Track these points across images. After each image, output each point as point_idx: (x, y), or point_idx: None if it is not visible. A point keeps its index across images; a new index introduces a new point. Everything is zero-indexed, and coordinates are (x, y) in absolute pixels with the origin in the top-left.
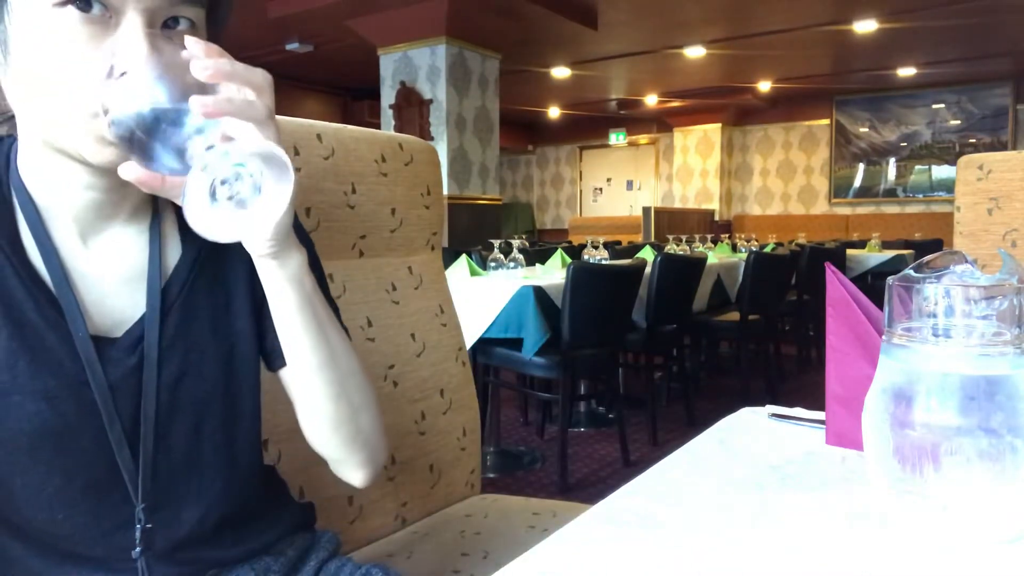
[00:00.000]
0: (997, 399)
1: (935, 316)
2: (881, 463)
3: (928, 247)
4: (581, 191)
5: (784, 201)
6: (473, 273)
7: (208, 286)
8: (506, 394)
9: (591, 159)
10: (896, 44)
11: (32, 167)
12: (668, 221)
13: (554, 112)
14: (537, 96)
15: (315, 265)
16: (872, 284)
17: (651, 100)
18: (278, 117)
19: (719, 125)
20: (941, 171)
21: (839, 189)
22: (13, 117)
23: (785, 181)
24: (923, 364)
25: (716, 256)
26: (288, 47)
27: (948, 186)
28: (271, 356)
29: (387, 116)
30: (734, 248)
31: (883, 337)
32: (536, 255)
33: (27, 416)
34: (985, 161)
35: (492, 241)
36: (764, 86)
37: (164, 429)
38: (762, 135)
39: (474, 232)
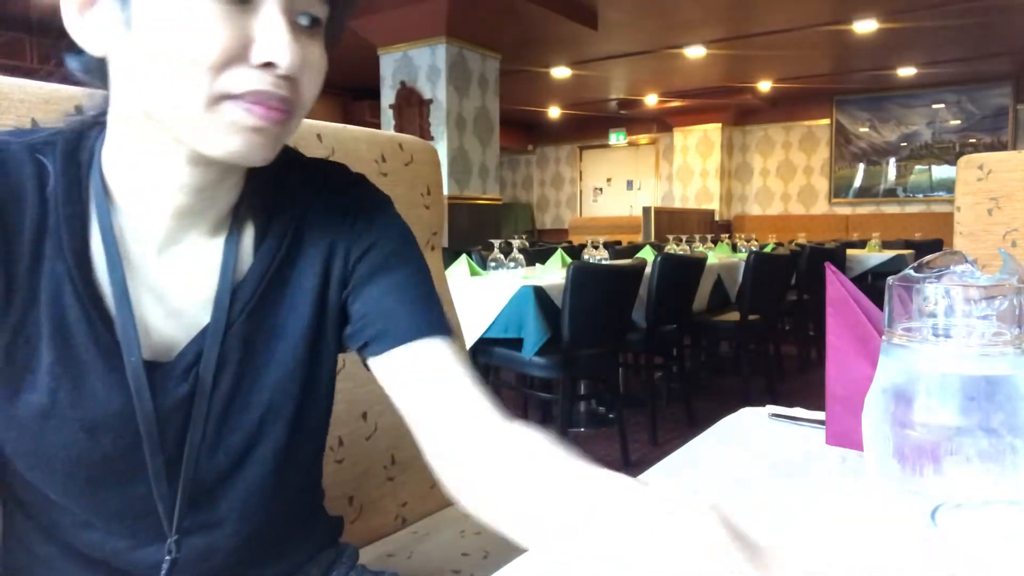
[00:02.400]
0: (997, 399)
1: (935, 316)
2: (881, 463)
3: (928, 247)
4: (581, 191)
5: (784, 201)
6: (473, 273)
7: (272, 303)
8: (506, 394)
9: (591, 159)
10: (896, 44)
11: (123, 164)
12: (668, 221)
13: (554, 112)
14: (537, 96)
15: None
16: (872, 284)
17: (651, 100)
18: None
19: (719, 125)
20: (941, 171)
21: (839, 189)
22: (102, 116)
23: (785, 181)
24: (923, 364)
25: (716, 256)
26: None
27: (948, 186)
28: (364, 346)
29: (387, 116)
30: (734, 248)
31: (883, 337)
32: (536, 255)
33: (63, 442)
34: (985, 161)
35: (492, 241)
36: (764, 86)
37: (208, 457)
38: (762, 135)
39: (474, 232)
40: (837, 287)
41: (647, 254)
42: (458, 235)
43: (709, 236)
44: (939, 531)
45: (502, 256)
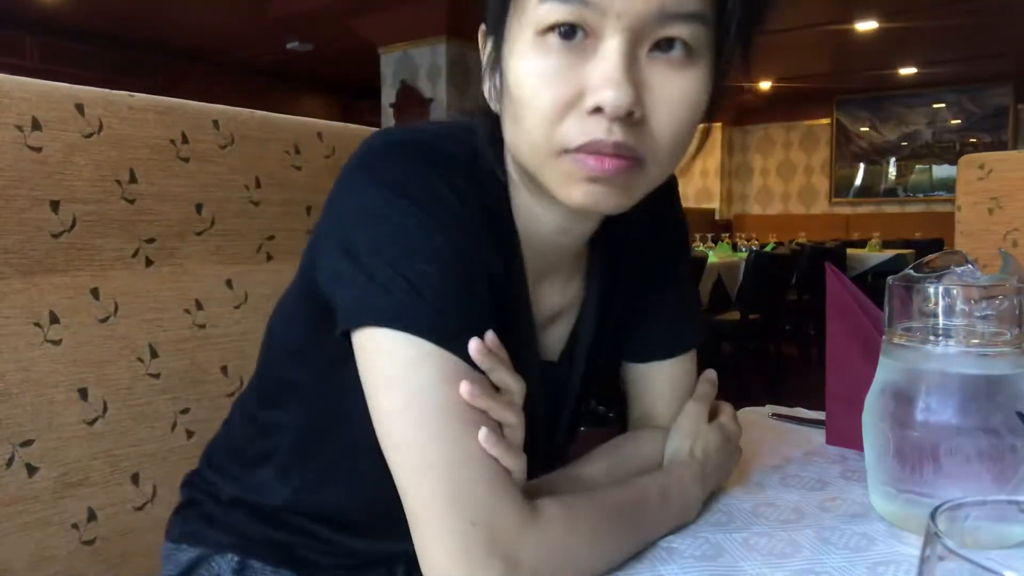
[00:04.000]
0: (997, 399)
1: (935, 316)
2: (881, 463)
3: (929, 247)
4: None
5: (784, 201)
6: None
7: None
8: None
9: None
10: (897, 44)
11: (517, 202)
12: None
13: None
14: None
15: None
16: (872, 284)
17: None
18: (279, 116)
19: (719, 124)
20: (942, 171)
21: (840, 189)
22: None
23: (785, 181)
24: (923, 364)
25: (716, 255)
26: (288, 46)
27: (949, 186)
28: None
29: (387, 115)
30: (734, 248)
31: (883, 337)
32: None
33: None
34: (986, 160)
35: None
36: (764, 85)
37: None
38: (763, 134)
39: None
40: (837, 287)
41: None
42: None
43: (709, 235)
44: (938, 532)
45: None
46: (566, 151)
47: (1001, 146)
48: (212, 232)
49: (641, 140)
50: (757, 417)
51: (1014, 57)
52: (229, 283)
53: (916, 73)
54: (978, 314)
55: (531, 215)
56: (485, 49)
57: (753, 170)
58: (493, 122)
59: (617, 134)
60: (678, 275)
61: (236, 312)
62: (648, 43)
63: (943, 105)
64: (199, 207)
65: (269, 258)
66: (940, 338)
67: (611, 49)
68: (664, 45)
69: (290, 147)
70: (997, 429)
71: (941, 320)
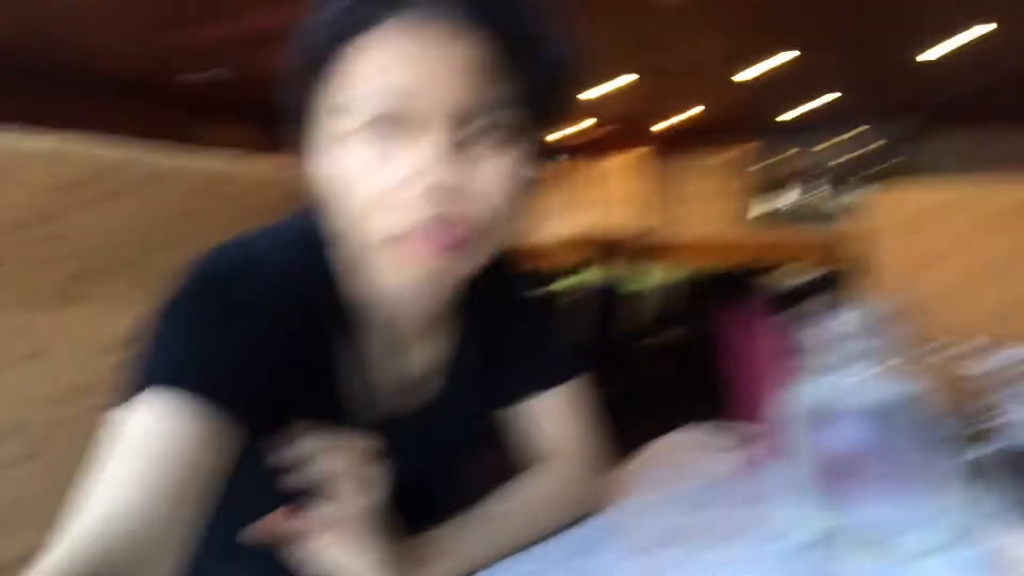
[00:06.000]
0: (905, 419)
1: (840, 346)
2: (801, 482)
3: (848, 271)
4: None
5: (708, 226)
6: None
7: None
8: None
9: None
10: (815, 74)
11: (363, 280)
12: (597, 245)
13: None
14: None
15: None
16: (786, 309)
17: (582, 125)
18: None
19: (643, 151)
20: (858, 196)
21: (764, 214)
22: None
23: (709, 206)
24: (835, 389)
25: (639, 283)
26: (206, 73)
27: (867, 211)
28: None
29: None
30: (656, 274)
31: (795, 367)
32: None
33: None
34: (897, 190)
35: None
36: (691, 113)
37: None
38: (687, 162)
39: None
40: (751, 318)
41: (568, 283)
42: None
43: (619, 263)
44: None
45: None
46: (396, 237)
47: (913, 172)
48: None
49: (468, 220)
50: (684, 439)
51: (922, 88)
52: None
53: (836, 100)
54: (878, 341)
55: (379, 290)
56: (302, 142)
57: (678, 197)
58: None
59: (440, 219)
60: (535, 313)
61: None
62: (466, 130)
63: (864, 131)
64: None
65: None
66: (849, 364)
67: (432, 137)
68: (483, 130)
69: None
70: (901, 449)
71: (846, 350)
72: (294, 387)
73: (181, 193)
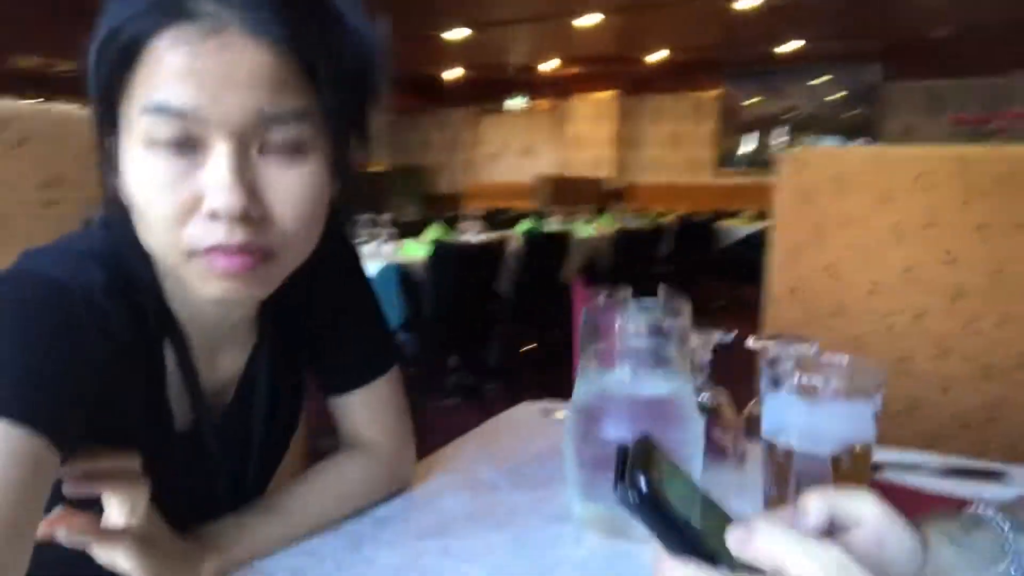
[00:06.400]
0: (667, 415)
1: (619, 342)
2: (573, 472)
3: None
4: (478, 156)
5: (673, 170)
6: None
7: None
8: None
9: (489, 124)
10: (779, 20)
11: (172, 287)
12: (561, 189)
13: (452, 74)
14: (434, 58)
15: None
16: (741, 254)
17: (548, 66)
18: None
19: (614, 93)
20: (824, 143)
21: (726, 160)
22: None
23: (675, 150)
24: (604, 386)
25: (596, 228)
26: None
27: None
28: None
29: None
30: (611, 219)
31: (578, 361)
32: (418, 227)
33: None
34: (801, 155)
35: (356, 218)
36: (657, 56)
37: None
38: (654, 105)
39: (358, 204)
40: (586, 293)
41: (524, 227)
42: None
43: (591, 206)
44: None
45: (370, 231)
46: (193, 254)
47: (873, 120)
48: None
49: (266, 235)
50: (529, 413)
51: (883, 39)
52: None
53: (799, 48)
54: (650, 341)
55: (187, 297)
56: (101, 147)
57: (645, 140)
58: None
59: (239, 235)
60: (355, 306)
61: None
62: (256, 144)
63: (824, 80)
64: None
65: None
66: (618, 362)
67: (219, 156)
68: (272, 145)
69: None
70: (669, 442)
71: (620, 346)
72: (122, 397)
73: None
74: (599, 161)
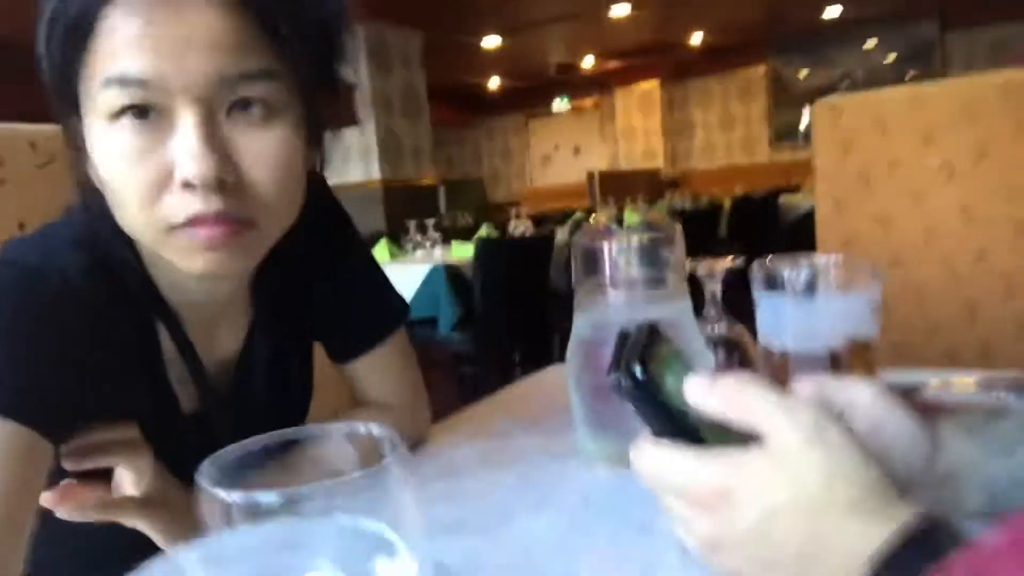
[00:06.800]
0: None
1: (608, 271)
2: (579, 406)
3: None
4: (531, 161)
5: (728, 152)
6: (392, 256)
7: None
8: (437, 373)
9: (538, 128)
10: None
11: (157, 267)
12: (614, 184)
13: (495, 83)
14: (474, 68)
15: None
16: (808, 227)
17: (588, 63)
18: None
19: (657, 82)
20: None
21: (780, 135)
22: None
23: (727, 132)
24: (601, 315)
25: (647, 216)
26: None
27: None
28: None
29: None
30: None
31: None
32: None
33: None
34: (837, 104)
35: (408, 222)
36: (697, 39)
37: None
38: (701, 88)
39: (412, 213)
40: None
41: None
42: (396, 217)
43: (640, 197)
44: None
45: (419, 236)
46: (173, 227)
47: (932, 77)
48: None
49: (244, 202)
50: (557, 374)
51: None
52: None
53: (843, 13)
54: (643, 267)
55: (174, 277)
56: (65, 129)
57: (695, 125)
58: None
59: (216, 203)
60: (353, 268)
61: None
62: (223, 108)
63: (874, 43)
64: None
65: None
66: (612, 290)
67: (185, 123)
68: (241, 106)
69: None
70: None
71: (611, 274)
72: (120, 384)
73: None
74: (650, 152)
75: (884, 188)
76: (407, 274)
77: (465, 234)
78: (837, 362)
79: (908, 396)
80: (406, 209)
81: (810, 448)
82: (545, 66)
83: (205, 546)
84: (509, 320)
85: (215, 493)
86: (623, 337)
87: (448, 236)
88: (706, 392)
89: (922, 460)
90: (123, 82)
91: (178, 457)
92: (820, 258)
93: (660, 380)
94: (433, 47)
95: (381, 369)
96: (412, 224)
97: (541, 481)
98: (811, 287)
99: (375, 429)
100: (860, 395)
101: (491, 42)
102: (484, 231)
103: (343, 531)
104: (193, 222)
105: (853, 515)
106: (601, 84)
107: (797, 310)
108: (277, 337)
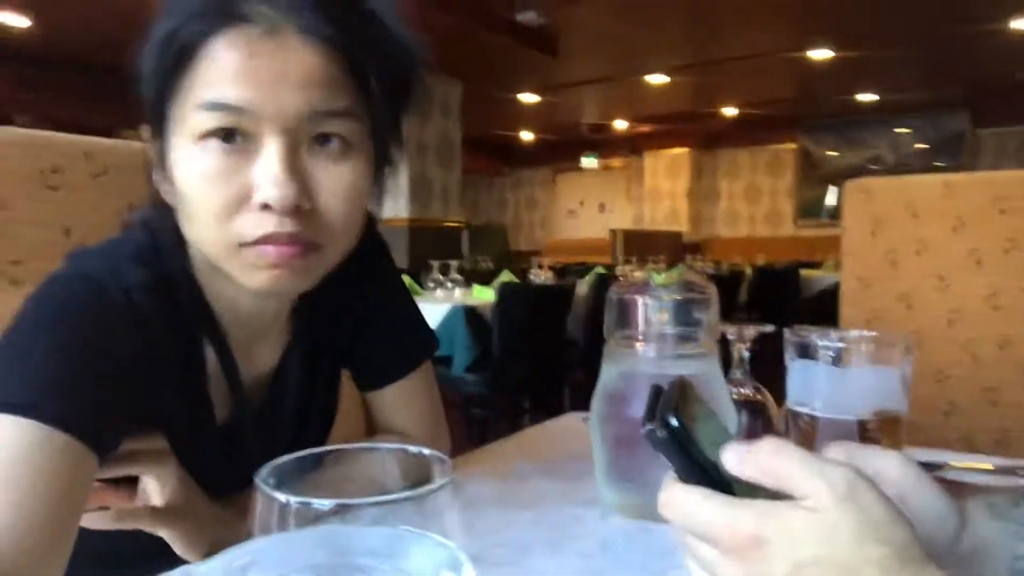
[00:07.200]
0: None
1: (641, 325)
2: (598, 454)
3: None
4: (555, 213)
5: (751, 223)
6: (413, 293)
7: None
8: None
9: (565, 182)
10: (853, 71)
11: (210, 284)
12: (637, 243)
13: (527, 136)
14: (508, 120)
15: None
16: (828, 303)
17: (621, 125)
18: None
19: (687, 149)
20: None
21: (805, 211)
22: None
23: (751, 203)
24: (631, 367)
25: (667, 277)
26: None
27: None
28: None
29: None
30: (680, 272)
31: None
32: (490, 277)
33: None
34: (868, 185)
35: (432, 262)
36: (730, 111)
37: None
38: (729, 159)
39: (435, 254)
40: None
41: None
42: (419, 256)
43: (662, 258)
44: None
45: (440, 276)
46: (244, 244)
47: (959, 168)
48: None
49: (314, 227)
50: (572, 421)
51: (968, 84)
52: None
53: (876, 99)
54: (675, 322)
55: (226, 293)
56: (151, 146)
57: (720, 193)
58: (173, 215)
59: (289, 226)
60: (388, 297)
61: None
62: (306, 140)
63: (905, 130)
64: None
65: None
66: (642, 344)
67: (271, 150)
68: (322, 140)
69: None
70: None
71: (644, 328)
72: (164, 397)
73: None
74: (674, 215)
75: (911, 270)
76: (426, 312)
77: (485, 278)
78: (865, 433)
79: (931, 472)
80: (429, 249)
81: (844, 506)
82: (578, 124)
83: (275, 544)
84: (524, 365)
85: (272, 495)
86: (657, 390)
87: (468, 279)
88: (742, 461)
89: (949, 535)
90: (219, 107)
91: (206, 465)
92: (854, 331)
93: (694, 433)
94: (471, 97)
95: (406, 399)
96: (435, 264)
97: (558, 523)
98: (844, 358)
99: (426, 451)
100: (888, 465)
101: (528, 98)
102: (504, 277)
103: (404, 539)
104: (264, 241)
105: (885, 575)
106: (631, 146)
107: (829, 379)
108: (311, 358)
